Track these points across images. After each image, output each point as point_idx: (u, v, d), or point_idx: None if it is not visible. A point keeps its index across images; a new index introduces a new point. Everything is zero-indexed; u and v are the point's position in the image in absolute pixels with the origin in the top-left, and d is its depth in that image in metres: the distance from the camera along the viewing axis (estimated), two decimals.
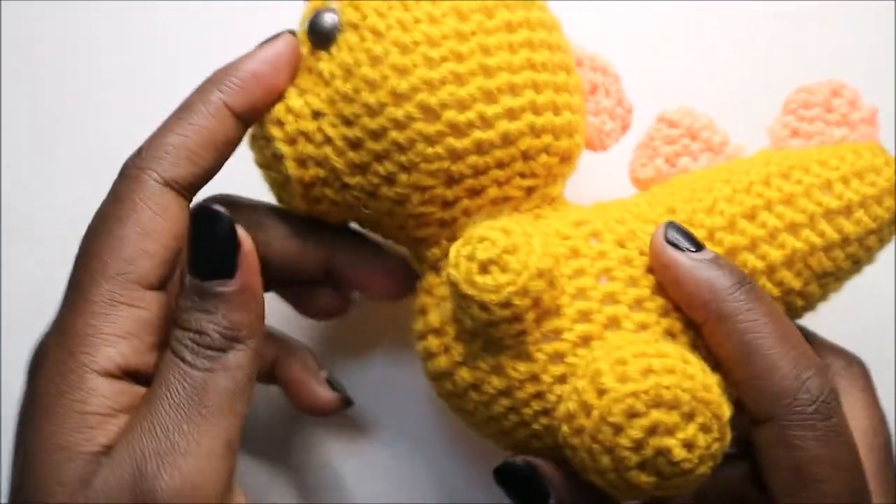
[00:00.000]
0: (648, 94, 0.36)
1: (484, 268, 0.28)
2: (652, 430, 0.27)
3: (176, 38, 0.44)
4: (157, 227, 0.29)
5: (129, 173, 0.30)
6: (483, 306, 0.28)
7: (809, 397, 0.27)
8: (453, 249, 0.30)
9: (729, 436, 0.28)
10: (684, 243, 0.29)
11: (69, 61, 0.43)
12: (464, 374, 0.30)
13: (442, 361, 0.31)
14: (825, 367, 0.29)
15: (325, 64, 0.31)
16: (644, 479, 0.27)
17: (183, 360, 0.27)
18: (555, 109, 0.31)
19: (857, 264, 0.32)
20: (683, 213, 0.31)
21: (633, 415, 0.27)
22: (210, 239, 0.28)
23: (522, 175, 0.31)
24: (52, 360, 0.28)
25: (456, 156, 0.30)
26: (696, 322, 0.30)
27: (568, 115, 0.32)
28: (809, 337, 0.34)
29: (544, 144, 0.31)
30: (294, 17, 0.33)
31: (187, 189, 0.30)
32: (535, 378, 0.29)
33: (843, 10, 0.44)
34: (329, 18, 0.31)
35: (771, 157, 0.32)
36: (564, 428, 0.28)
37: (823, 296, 0.32)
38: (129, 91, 0.43)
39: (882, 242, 0.32)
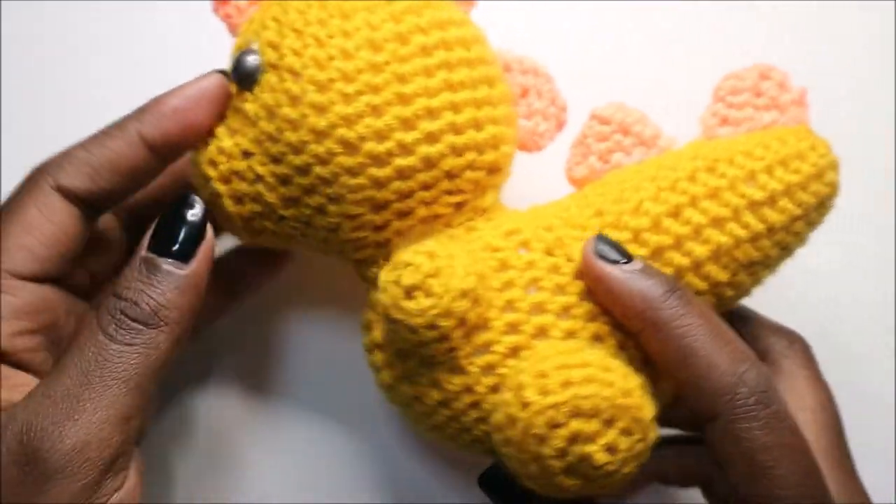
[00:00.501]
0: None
1: (409, 293, 0.30)
2: (573, 439, 0.28)
3: (176, 38, 0.44)
4: (40, 225, 0.31)
5: (31, 176, 0.32)
6: (411, 329, 0.30)
7: (748, 390, 0.28)
8: (382, 275, 0.31)
9: (654, 433, 0.30)
10: (614, 255, 0.30)
11: (69, 61, 0.44)
12: (405, 388, 0.32)
13: (386, 376, 0.33)
14: (758, 358, 0.30)
15: (250, 105, 0.32)
16: (570, 482, 0.29)
17: (104, 331, 0.29)
18: (476, 126, 0.32)
19: (786, 250, 0.33)
20: (610, 215, 0.32)
21: (554, 425, 0.28)
22: (180, 220, 0.31)
23: (449, 192, 0.32)
24: None
25: (379, 184, 0.31)
26: (632, 331, 0.31)
27: (491, 129, 0.32)
28: (750, 316, 0.35)
29: (468, 162, 0.32)
30: None
31: (82, 201, 0.32)
32: (469, 389, 0.31)
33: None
34: (251, 59, 0.32)
35: (699, 150, 0.33)
36: (495, 437, 0.30)
37: (754, 283, 0.33)
38: (129, 91, 0.42)
39: (811, 226, 0.33)
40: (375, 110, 0.30)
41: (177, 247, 0.30)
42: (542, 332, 0.31)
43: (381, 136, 0.30)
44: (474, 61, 0.33)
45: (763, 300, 0.35)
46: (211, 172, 0.32)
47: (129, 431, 0.29)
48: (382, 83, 0.30)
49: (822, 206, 0.33)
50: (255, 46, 0.32)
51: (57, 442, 0.27)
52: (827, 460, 0.31)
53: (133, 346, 0.29)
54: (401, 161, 0.31)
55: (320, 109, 0.30)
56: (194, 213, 0.31)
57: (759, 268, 0.32)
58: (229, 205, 0.32)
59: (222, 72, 0.33)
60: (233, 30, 0.34)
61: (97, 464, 0.28)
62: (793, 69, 0.34)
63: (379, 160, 0.31)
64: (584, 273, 0.31)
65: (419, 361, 0.31)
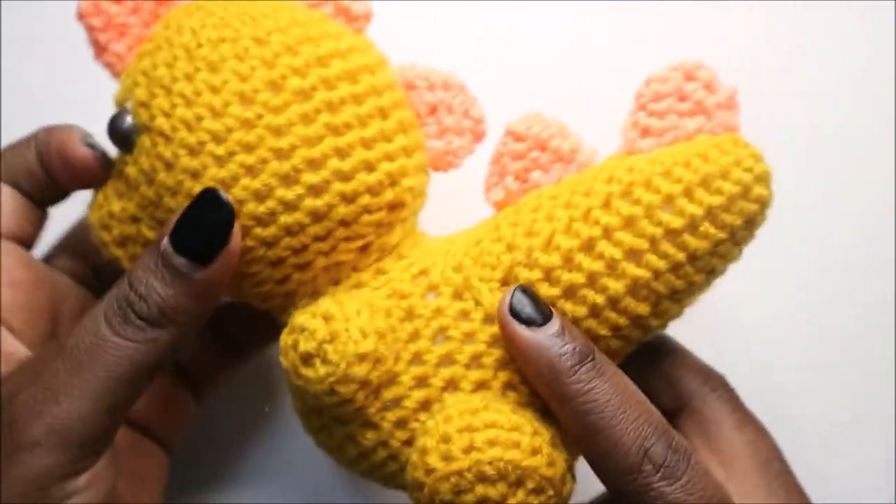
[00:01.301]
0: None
1: (305, 360, 0.29)
2: (481, 503, 0.28)
3: None
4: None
5: None
6: (313, 394, 0.29)
7: (653, 467, 0.27)
8: (282, 338, 0.30)
9: (569, 486, 0.29)
10: (529, 313, 0.29)
11: (69, 61, 0.42)
12: (325, 439, 0.32)
13: (306, 425, 0.32)
14: (666, 426, 0.28)
15: (131, 168, 0.30)
16: None
17: (108, 321, 0.28)
18: (367, 167, 0.30)
19: (713, 273, 0.30)
20: (520, 251, 0.30)
21: (459, 491, 0.28)
22: (206, 222, 0.28)
23: (348, 239, 0.30)
24: None
25: (268, 244, 0.29)
26: (541, 397, 0.29)
27: (385, 167, 0.30)
28: (671, 352, 0.33)
29: (362, 206, 0.30)
30: None
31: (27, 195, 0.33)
32: (384, 444, 0.30)
33: None
34: (124, 121, 0.30)
35: (615, 171, 0.30)
36: (410, 495, 0.29)
37: (680, 311, 0.31)
38: None
39: (739, 245, 0.30)
40: (251, 170, 0.28)
41: (198, 247, 0.28)
42: (451, 385, 0.30)
43: (259, 196, 0.29)
44: (363, 95, 0.30)
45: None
46: (106, 237, 0.31)
47: (112, 422, 0.28)
48: (255, 140, 0.28)
49: (750, 224, 0.30)
50: (128, 106, 0.30)
51: (35, 418, 0.27)
52: (771, 498, 0.30)
53: (133, 343, 0.28)
54: (286, 218, 0.29)
55: (194, 174, 0.29)
56: (223, 215, 0.28)
57: (684, 295, 0.30)
58: (128, 265, 0.31)
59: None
60: (116, 76, 0.32)
61: (73, 446, 0.27)
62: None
63: (262, 221, 0.29)
64: (499, 327, 0.29)
65: (333, 417, 0.31)
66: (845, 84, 0.44)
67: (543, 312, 0.29)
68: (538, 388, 0.29)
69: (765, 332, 0.40)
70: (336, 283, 0.32)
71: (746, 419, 0.31)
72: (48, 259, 0.35)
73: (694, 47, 0.33)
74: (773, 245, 0.42)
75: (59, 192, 0.33)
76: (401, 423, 0.30)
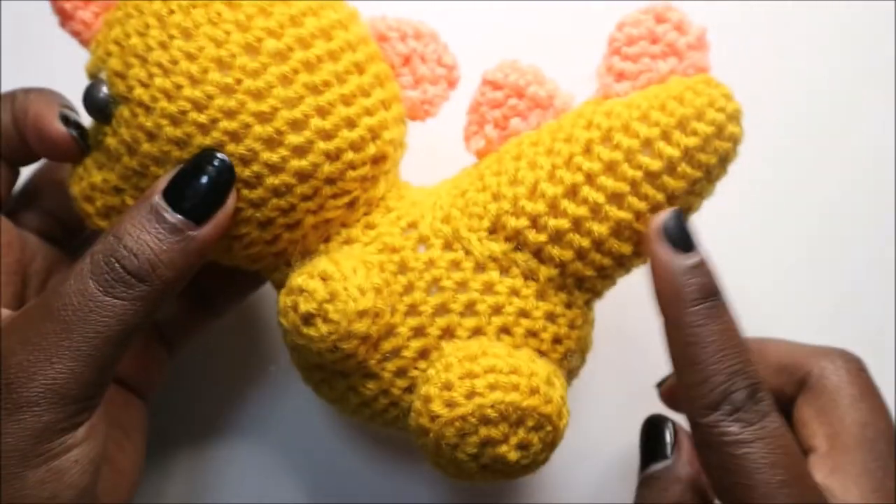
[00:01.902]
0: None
1: (307, 320, 0.29)
2: (484, 444, 0.29)
3: None
4: None
5: None
6: (316, 352, 0.30)
7: (729, 409, 0.28)
8: (280, 299, 0.30)
9: (565, 418, 0.31)
10: (675, 237, 0.30)
11: (69, 61, 0.42)
12: (326, 392, 0.33)
13: (306, 380, 0.33)
14: (763, 382, 0.29)
15: (111, 140, 0.30)
16: (489, 477, 0.30)
17: (95, 279, 0.28)
18: (349, 124, 0.30)
19: (689, 211, 0.32)
20: (506, 200, 0.31)
21: (464, 434, 0.29)
22: (205, 180, 0.28)
23: (335, 196, 0.31)
24: None
25: (256, 205, 0.30)
26: (661, 313, 0.30)
27: (367, 121, 0.30)
28: (796, 347, 0.34)
29: (346, 163, 0.30)
30: None
31: None
32: (386, 392, 0.31)
33: None
34: (100, 92, 0.29)
35: (593, 116, 0.31)
36: (413, 438, 0.31)
37: None
38: None
39: (713, 182, 0.32)
40: (234, 136, 0.28)
41: (193, 204, 0.28)
42: (447, 333, 0.31)
43: (245, 160, 0.29)
44: (338, 51, 0.30)
45: None
46: (89, 209, 0.31)
47: (103, 378, 0.29)
48: (237, 105, 0.28)
49: (723, 162, 0.31)
50: (102, 76, 0.30)
51: (30, 380, 0.27)
52: (865, 477, 0.30)
53: (121, 301, 0.28)
54: (272, 180, 0.29)
55: (179, 143, 0.28)
56: (220, 174, 0.28)
57: None
58: None
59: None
60: (85, 45, 0.31)
61: (68, 403, 0.28)
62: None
63: (249, 183, 0.29)
64: (647, 239, 0.30)
65: (333, 371, 0.32)
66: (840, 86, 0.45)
67: (688, 242, 0.30)
68: (659, 304, 0.30)
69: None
70: (326, 240, 0.32)
71: (864, 395, 0.31)
72: (12, 215, 0.34)
73: None
74: (774, 244, 0.44)
75: (32, 156, 0.33)
76: (400, 373, 0.31)
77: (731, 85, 0.31)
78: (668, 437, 0.33)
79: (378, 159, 0.31)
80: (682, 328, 0.29)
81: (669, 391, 0.37)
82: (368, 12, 0.33)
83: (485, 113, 0.33)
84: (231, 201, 0.29)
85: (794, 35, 0.46)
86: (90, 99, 0.29)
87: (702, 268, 0.30)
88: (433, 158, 0.35)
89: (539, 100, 0.33)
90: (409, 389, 0.31)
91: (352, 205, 0.32)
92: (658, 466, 0.32)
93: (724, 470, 0.29)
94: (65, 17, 0.31)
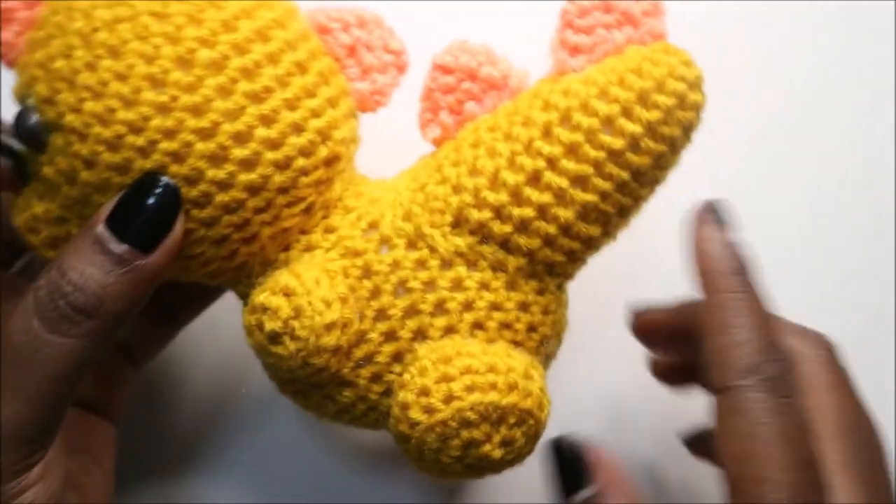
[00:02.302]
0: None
1: (274, 339, 0.29)
2: (468, 445, 0.29)
3: None
4: None
5: None
6: (286, 369, 0.29)
7: (765, 376, 0.28)
8: (244, 317, 0.30)
9: (546, 409, 0.30)
10: (722, 215, 0.31)
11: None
12: (302, 402, 0.32)
13: (282, 390, 0.32)
14: (789, 361, 0.29)
15: (48, 169, 0.28)
16: (475, 475, 0.30)
17: (41, 317, 0.27)
18: (296, 129, 0.29)
19: (655, 184, 0.31)
20: (468, 192, 0.30)
21: (446, 438, 0.29)
22: (150, 207, 0.27)
23: (290, 204, 0.30)
24: None
25: (208, 224, 0.28)
26: (698, 286, 0.30)
27: (315, 123, 0.29)
28: (777, 320, 0.33)
29: (297, 170, 0.29)
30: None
31: None
32: (363, 398, 0.31)
33: None
34: (30, 120, 0.28)
35: (550, 96, 0.30)
36: (395, 443, 0.30)
37: (626, 223, 0.31)
38: None
39: (677, 154, 0.31)
40: (177, 156, 0.27)
41: (138, 232, 0.27)
42: (419, 334, 0.30)
43: (191, 180, 0.27)
44: (277, 53, 0.29)
45: None
46: (34, 240, 0.30)
47: (56, 416, 0.28)
48: (175, 124, 0.27)
49: (687, 131, 0.30)
50: (30, 103, 0.28)
51: None
52: (848, 467, 0.29)
53: (69, 339, 0.26)
54: (222, 197, 0.28)
55: (120, 169, 0.27)
56: (165, 198, 0.27)
57: (631, 210, 0.31)
58: None
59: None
60: (11, 66, 0.30)
61: (20, 445, 0.27)
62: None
63: (198, 203, 0.28)
64: (691, 220, 0.31)
65: (307, 384, 0.31)
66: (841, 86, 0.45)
67: (729, 220, 0.31)
68: (699, 274, 0.30)
69: None
70: (286, 248, 0.31)
71: (839, 383, 0.31)
72: None
73: None
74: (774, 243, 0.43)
75: None
76: (375, 378, 0.30)
77: (723, 85, 0.31)
78: (587, 461, 0.32)
79: (331, 161, 0.30)
80: (721, 292, 0.29)
81: (645, 324, 0.36)
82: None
83: (438, 99, 0.32)
84: (179, 226, 0.28)
85: (793, 34, 0.45)
86: (21, 128, 0.28)
87: (741, 246, 0.30)
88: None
89: (493, 81, 0.31)
90: (387, 393, 0.31)
91: (308, 210, 0.30)
92: (586, 494, 0.32)
93: (746, 437, 0.28)
94: None
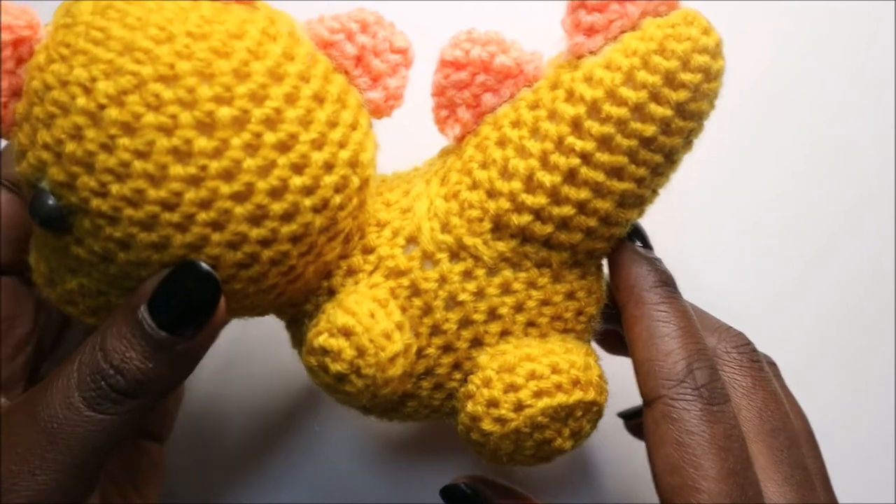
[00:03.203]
0: None
1: (341, 379, 0.29)
2: (540, 444, 0.30)
3: None
4: None
5: None
6: (355, 403, 0.30)
7: (694, 383, 0.29)
8: (304, 359, 0.30)
9: (606, 391, 0.31)
10: (639, 235, 0.32)
11: None
12: (365, 413, 0.33)
13: (350, 408, 0.33)
14: (715, 367, 0.30)
15: (78, 249, 0.27)
16: (544, 462, 0.32)
17: (82, 394, 0.27)
18: (327, 168, 0.28)
19: (683, 156, 0.31)
20: (504, 197, 0.30)
21: (520, 442, 0.30)
22: (189, 297, 0.27)
23: (330, 239, 0.29)
24: None
25: (255, 280, 0.28)
26: (620, 303, 0.31)
27: (343, 155, 0.28)
28: (703, 316, 0.33)
29: (334, 207, 0.28)
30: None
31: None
32: (426, 405, 0.32)
33: None
34: (48, 204, 0.26)
35: (574, 85, 0.29)
36: (471, 449, 0.32)
37: (657, 196, 0.32)
38: None
39: (702, 123, 0.30)
40: (216, 225, 0.26)
41: (178, 320, 0.27)
42: (476, 343, 0.31)
43: (234, 244, 0.27)
44: (294, 92, 0.27)
45: None
46: (72, 311, 0.29)
47: (90, 486, 0.28)
48: (209, 194, 0.26)
49: (712, 101, 0.30)
50: (44, 186, 0.26)
51: (11, 491, 0.27)
52: (775, 469, 0.29)
53: (109, 417, 0.27)
54: (268, 253, 0.27)
55: (159, 247, 0.26)
56: (203, 287, 0.27)
57: (663, 185, 0.31)
58: None
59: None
60: (6, 135, 0.28)
61: None
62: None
63: (244, 264, 0.27)
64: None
65: (374, 406, 0.32)
66: (841, 85, 0.44)
67: (648, 241, 0.32)
68: (619, 291, 0.31)
69: (764, 328, 0.41)
70: (328, 276, 0.31)
71: (758, 384, 0.31)
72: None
73: None
74: (774, 242, 0.44)
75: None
76: (437, 387, 0.31)
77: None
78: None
79: (362, 186, 0.29)
80: (645, 305, 0.30)
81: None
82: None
83: (453, 96, 0.31)
84: (221, 310, 0.27)
85: (792, 34, 0.45)
86: (40, 214, 0.26)
87: (661, 263, 0.31)
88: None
89: (508, 70, 0.30)
90: (449, 397, 0.32)
91: (347, 240, 0.30)
92: None
93: (679, 446, 0.28)
94: None
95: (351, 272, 0.31)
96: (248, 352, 0.42)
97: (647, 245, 0.32)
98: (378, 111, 0.31)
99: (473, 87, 0.31)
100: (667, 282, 0.31)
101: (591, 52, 0.30)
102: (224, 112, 0.26)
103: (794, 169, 0.45)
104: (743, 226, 0.44)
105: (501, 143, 0.30)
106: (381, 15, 0.30)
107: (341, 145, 0.28)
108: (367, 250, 0.31)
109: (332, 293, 0.31)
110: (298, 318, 0.31)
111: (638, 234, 0.32)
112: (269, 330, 0.34)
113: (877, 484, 0.39)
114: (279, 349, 0.38)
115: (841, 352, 0.43)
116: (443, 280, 0.30)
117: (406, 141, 0.33)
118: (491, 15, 0.32)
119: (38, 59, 0.26)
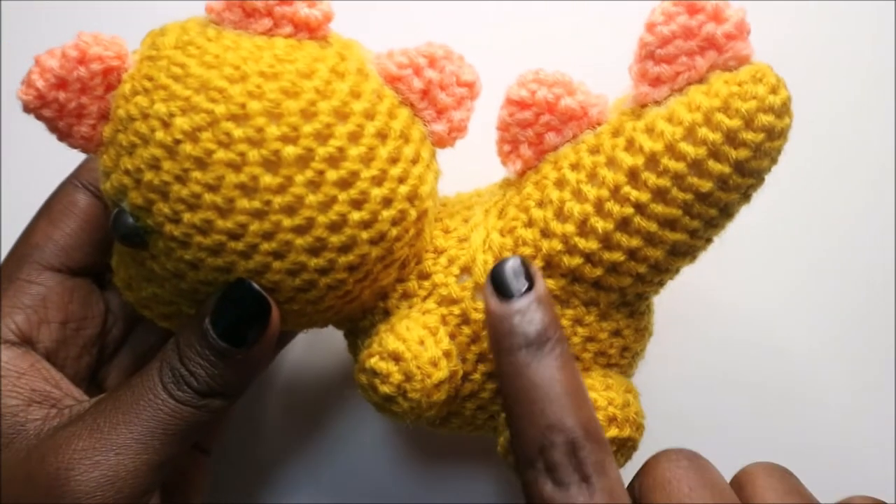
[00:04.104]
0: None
1: (388, 399, 0.31)
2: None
3: None
4: (64, 218, 0.33)
5: (62, 183, 0.34)
6: (401, 421, 0.32)
7: (543, 467, 0.27)
8: (357, 376, 0.32)
9: (643, 424, 0.32)
10: (501, 284, 0.28)
11: None
12: (412, 427, 0.35)
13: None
14: (586, 437, 0.27)
15: (153, 265, 0.29)
16: None
17: (164, 386, 0.30)
18: (385, 203, 0.29)
19: (730, 216, 0.31)
20: (557, 238, 0.30)
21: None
22: (242, 313, 0.29)
23: (386, 266, 0.31)
24: None
25: (314, 303, 0.30)
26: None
27: (402, 191, 0.29)
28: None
29: (391, 239, 0.30)
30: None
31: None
32: (469, 423, 0.34)
33: None
34: (128, 222, 0.28)
35: (635, 135, 0.29)
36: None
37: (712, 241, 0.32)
38: None
39: (763, 180, 0.30)
40: (277, 254, 0.28)
41: (234, 332, 0.29)
42: None
43: (294, 272, 0.29)
44: (358, 131, 0.28)
45: None
46: (147, 314, 0.32)
47: (161, 475, 0.30)
48: (272, 227, 0.28)
49: (775, 159, 0.30)
50: (125, 206, 0.28)
51: (93, 468, 0.28)
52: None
53: (188, 407, 0.30)
54: (325, 280, 0.29)
55: (224, 270, 0.28)
56: (259, 307, 0.29)
57: (715, 236, 0.31)
58: None
59: None
60: (93, 153, 0.30)
61: (123, 499, 0.29)
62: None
63: (303, 289, 0.29)
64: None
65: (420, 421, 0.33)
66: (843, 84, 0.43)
67: (508, 289, 0.28)
68: (492, 350, 0.29)
69: (764, 328, 0.40)
70: (384, 298, 0.32)
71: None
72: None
73: None
74: (775, 241, 0.43)
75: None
76: (480, 409, 0.33)
77: None
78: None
79: (420, 217, 0.31)
80: (500, 378, 0.28)
81: None
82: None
83: (516, 133, 0.32)
84: (275, 323, 0.29)
85: (793, 34, 0.44)
86: (120, 231, 0.29)
87: (527, 313, 0.28)
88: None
89: (572, 112, 0.31)
90: (492, 417, 0.33)
91: (403, 266, 0.31)
92: None
93: None
94: (62, 135, 0.30)
95: (406, 296, 0.32)
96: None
97: (507, 293, 0.28)
98: (441, 142, 0.32)
99: (537, 127, 0.31)
100: (531, 341, 0.27)
101: (656, 102, 0.30)
102: (289, 151, 0.27)
103: (794, 169, 0.44)
104: (743, 226, 0.44)
105: (560, 184, 0.31)
106: (449, 49, 0.31)
107: (401, 180, 0.29)
108: (423, 276, 0.32)
109: (387, 314, 0.32)
110: (355, 331, 0.33)
111: (498, 279, 0.28)
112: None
113: (877, 483, 0.40)
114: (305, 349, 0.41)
115: (839, 351, 0.43)
116: None
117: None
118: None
119: (125, 88, 0.28)
